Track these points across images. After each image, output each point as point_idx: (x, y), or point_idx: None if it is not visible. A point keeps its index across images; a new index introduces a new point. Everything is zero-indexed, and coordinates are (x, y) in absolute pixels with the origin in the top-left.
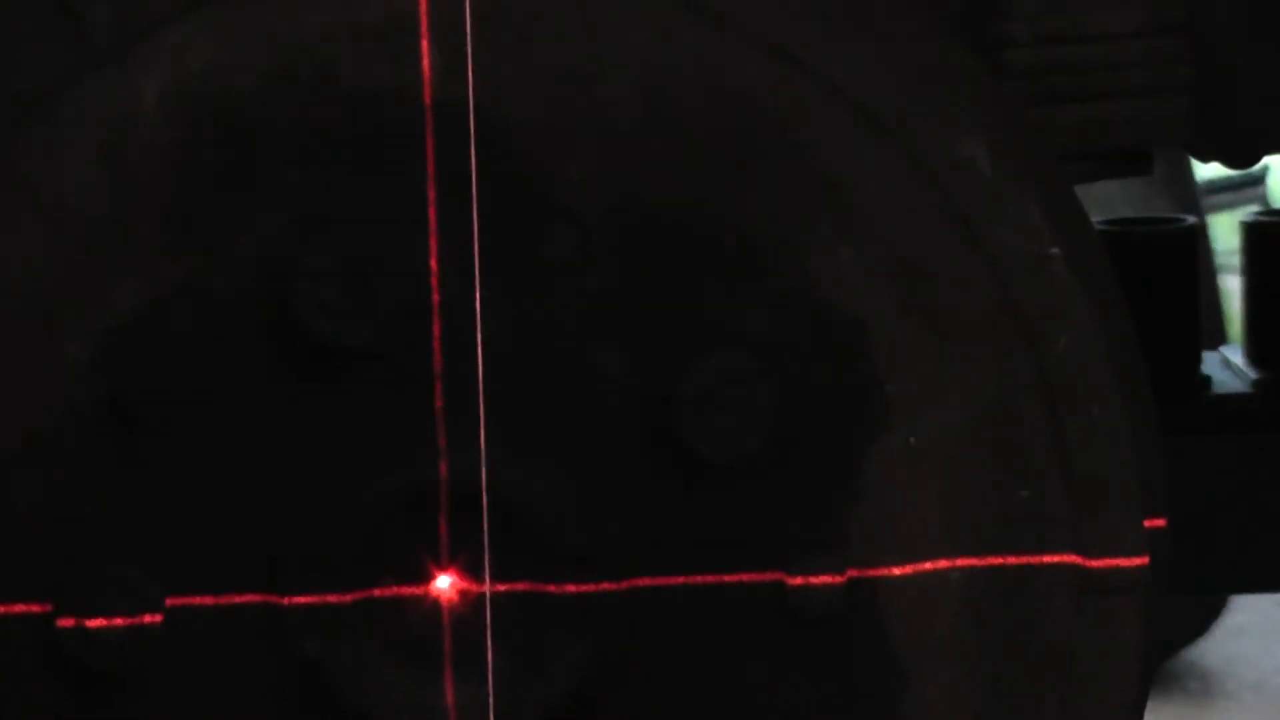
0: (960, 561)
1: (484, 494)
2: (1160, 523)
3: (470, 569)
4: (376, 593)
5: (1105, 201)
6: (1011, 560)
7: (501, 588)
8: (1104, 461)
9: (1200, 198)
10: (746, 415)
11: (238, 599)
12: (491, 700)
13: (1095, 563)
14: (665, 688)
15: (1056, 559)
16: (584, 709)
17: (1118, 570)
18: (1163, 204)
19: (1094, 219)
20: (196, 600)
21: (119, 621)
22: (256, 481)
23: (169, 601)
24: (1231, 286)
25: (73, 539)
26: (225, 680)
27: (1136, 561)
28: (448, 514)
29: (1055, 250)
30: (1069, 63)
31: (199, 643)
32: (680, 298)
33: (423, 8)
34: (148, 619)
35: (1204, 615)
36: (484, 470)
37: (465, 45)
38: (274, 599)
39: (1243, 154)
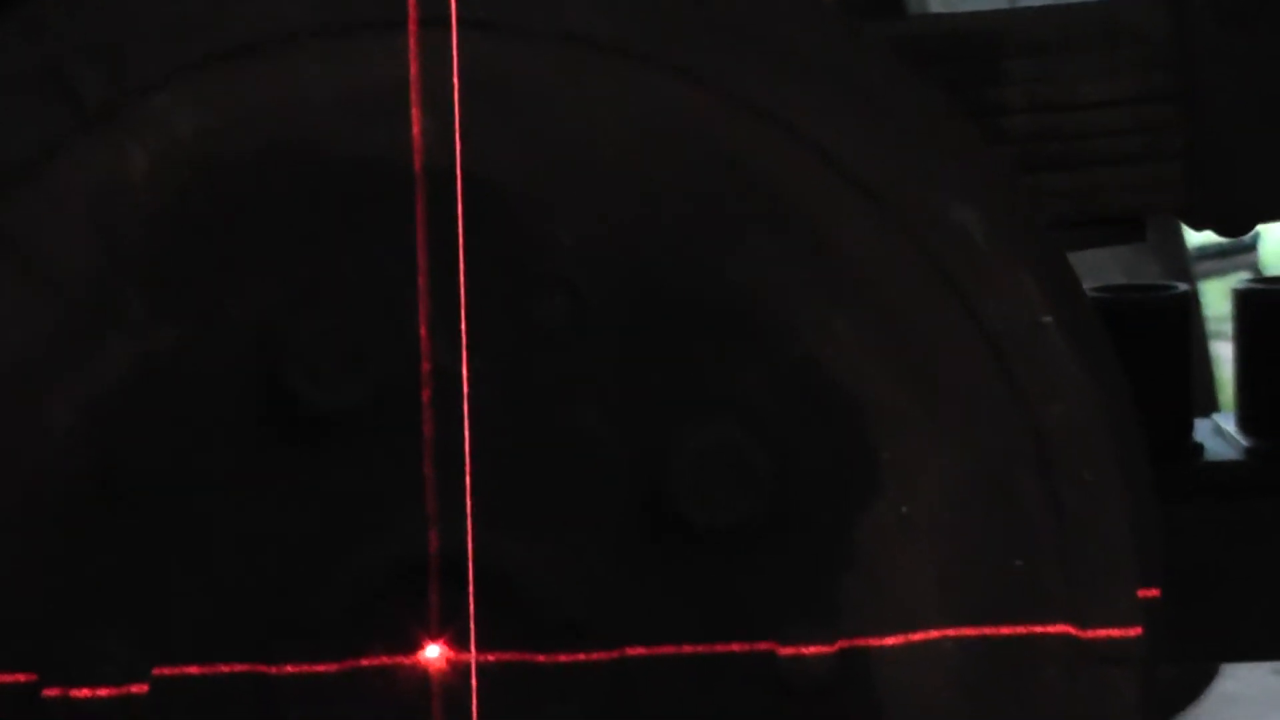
0: (952, 631)
1: (471, 563)
2: (1155, 593)
3: (459, 638)
4: (365, 662)
5: (1096, 267)
6: (1005, 630)
7: (490, 657)
8: (1098, 530)
9: (1191, 264)
10: (739, 482)
11: (225, 668)
12: None
13: (1089, 633)
14: None
15: (1050, 629)
16: None
17: (1111, 640)
18: (1154, 270)
19: (1085, 286)
20: (183, 670)
21: (105, 692)
22: (244, 549)
23: (155, 671)
24: (1222, 353)
25: (59, 607)
26: None
27: (1131, 632)
28: (437, 583)
29: (1048, 318)
30: (1063, 129)
31: (186, 713)
32: (672, 364)
33: (413, 76)
34: (134, 689)
35: (1196, 682)
36: (471, 539)
37: (455, 113)
38: (262, 668)
39: (1236, 222)
